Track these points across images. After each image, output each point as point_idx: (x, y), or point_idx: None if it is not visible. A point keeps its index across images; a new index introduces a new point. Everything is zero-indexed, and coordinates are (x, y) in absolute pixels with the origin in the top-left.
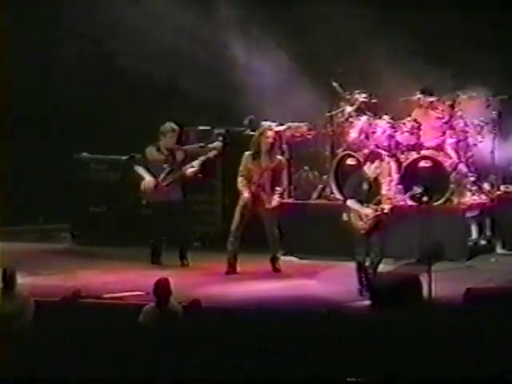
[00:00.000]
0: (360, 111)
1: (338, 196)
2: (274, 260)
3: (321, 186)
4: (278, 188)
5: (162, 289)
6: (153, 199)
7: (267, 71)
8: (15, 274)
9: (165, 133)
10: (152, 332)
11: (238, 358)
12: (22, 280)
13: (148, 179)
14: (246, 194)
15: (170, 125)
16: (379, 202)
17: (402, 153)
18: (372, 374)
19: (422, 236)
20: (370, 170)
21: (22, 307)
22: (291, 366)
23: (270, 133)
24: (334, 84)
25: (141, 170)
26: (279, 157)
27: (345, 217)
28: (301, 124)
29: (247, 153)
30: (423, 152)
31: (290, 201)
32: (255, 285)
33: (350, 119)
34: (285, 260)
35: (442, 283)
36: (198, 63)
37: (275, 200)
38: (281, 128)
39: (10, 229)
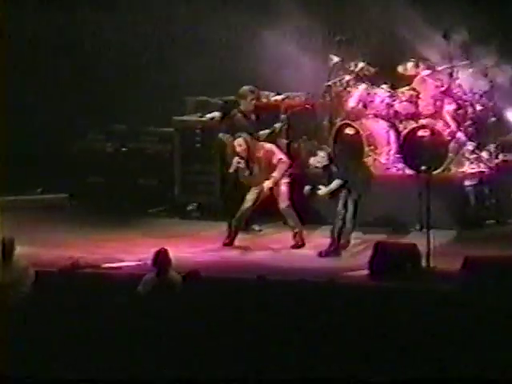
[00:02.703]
0: (359, 80)
1: None
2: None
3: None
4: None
5: (161, 259)
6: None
7: (266, 40)
8: (14, 244)
9: (245, 96)
10: (151, 302)
11: (237, 328)
12: (20, 250)
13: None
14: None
15: (248, 87)
16: None
17: (401, 122)
18: (370, 344)
19: (421, 205)
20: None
21: (21, 277)
22: (290, 336)
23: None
24: (333, 53)
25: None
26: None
27: None
28: (299, 93)
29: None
30: (422, 121)
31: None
32: (254, 255)
33: (348, 88)
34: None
35: (441, 252)
36: (194, 32)
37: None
38: (279, 97)
39: (8, 198)
